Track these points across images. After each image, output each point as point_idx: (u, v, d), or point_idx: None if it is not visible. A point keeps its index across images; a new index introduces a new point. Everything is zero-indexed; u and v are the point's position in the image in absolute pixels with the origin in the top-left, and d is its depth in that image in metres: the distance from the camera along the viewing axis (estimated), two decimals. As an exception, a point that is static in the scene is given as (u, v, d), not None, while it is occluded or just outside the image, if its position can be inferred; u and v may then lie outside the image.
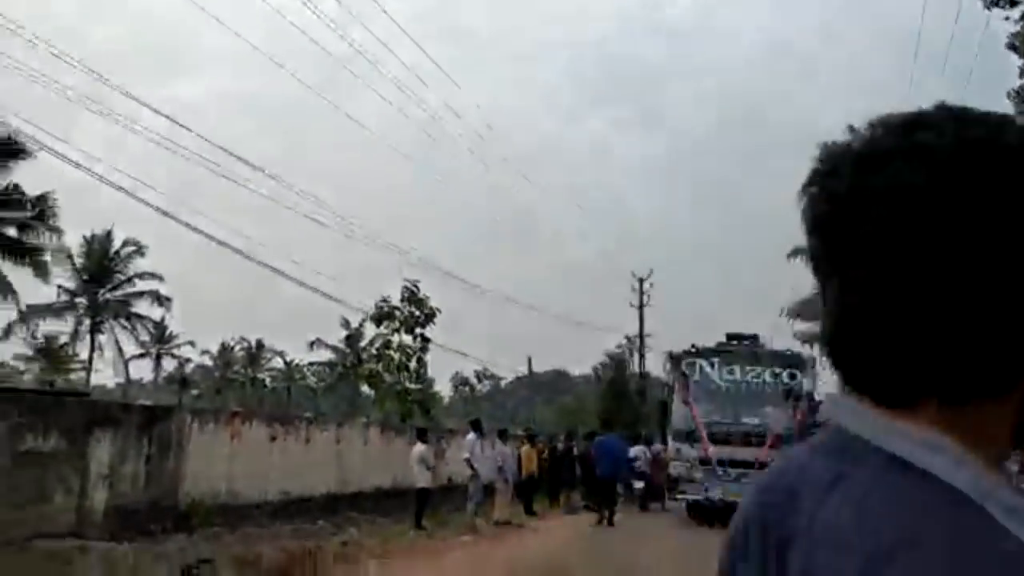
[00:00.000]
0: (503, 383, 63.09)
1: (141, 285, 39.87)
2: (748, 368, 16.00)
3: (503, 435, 16.89)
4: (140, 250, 38.59)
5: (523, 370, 43.26)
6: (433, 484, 14.76)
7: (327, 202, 59.29)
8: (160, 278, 39.91)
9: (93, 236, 38.34)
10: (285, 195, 60.82)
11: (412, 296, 27.02)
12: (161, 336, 50.48)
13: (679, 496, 15.80)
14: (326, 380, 55.73)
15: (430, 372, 37.01)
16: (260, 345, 57.95)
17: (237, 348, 59.01)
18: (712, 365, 16.18)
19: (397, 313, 27.04)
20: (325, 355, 52.42)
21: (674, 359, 16.85)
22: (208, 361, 57.26)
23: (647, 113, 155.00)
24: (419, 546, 12.18)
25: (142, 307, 40.82)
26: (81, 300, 38.84)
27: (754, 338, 17.71)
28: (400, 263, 28.33)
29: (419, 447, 14.52)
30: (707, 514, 14.87)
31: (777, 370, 15.90)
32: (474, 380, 50.37)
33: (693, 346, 16.85)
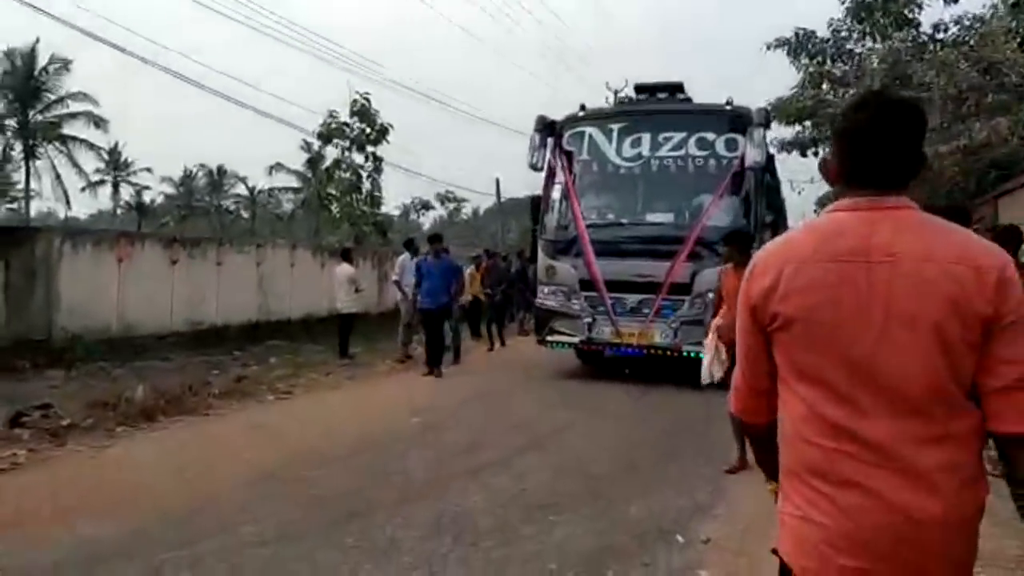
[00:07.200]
0: (482, 209, 60.76)
1: (74, 106, 36.58)
2: (664, 136, 10.35)
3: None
4: (67, 66, 35.03)
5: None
6: (361, 309, 13.13)
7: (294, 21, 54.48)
8: (95, 101, 36.66)
9: (14, 51, 34.59)
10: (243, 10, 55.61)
11: (363, 111, 24.52)
12: (116, 163, 47.68)
13: (551, 339, 10.53)
14: (295, 206, 53.26)
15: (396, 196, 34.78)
16: (222, 171, 54.81)
17: (199, 175, 55.97)
18: (609, 135, 10.62)
19: (346, 130, 24.70)
20: (288, 180, 49.69)
21: (548, 129, 10.74)
22: (170, 189, 54.31)
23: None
24: (332, 378, 10.70)
25: (78, 129, 37.66)
26: (10, 123, 35.69)
27: (676, 88, 11.41)
28: (368, 81, 25.61)
29: (344, 267, 12.76)
30: (601, 361, 11.20)
31: (708, 135, 10.18)
32: (436, 204, 47.99)
33: (582, 107, 11.08)
